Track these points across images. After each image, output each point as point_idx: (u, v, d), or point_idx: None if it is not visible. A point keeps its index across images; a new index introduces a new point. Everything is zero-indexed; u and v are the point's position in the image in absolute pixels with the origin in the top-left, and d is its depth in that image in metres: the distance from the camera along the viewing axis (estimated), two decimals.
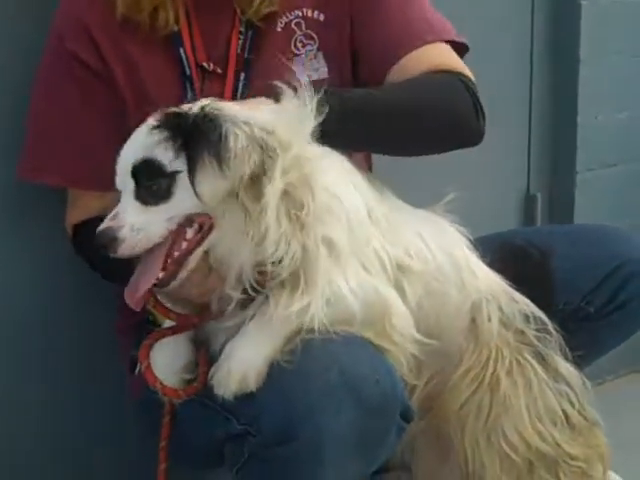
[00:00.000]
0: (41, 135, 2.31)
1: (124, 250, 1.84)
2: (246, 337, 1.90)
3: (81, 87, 2.24)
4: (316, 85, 2.15)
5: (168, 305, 2.01)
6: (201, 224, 1.88)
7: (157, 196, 1.85)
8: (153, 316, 2.14)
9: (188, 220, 1.87)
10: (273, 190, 1.84)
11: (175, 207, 1.85)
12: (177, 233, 1.88)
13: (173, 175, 1.84)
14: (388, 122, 2.12)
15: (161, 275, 1.88)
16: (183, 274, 1.90)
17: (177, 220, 1.86)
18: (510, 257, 2.24)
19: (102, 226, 1.84)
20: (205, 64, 2.25)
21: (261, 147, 1.83)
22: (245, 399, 1.88)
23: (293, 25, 2.31)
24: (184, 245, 1.88)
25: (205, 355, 2.02)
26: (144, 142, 1.86)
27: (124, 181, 1.88)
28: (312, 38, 2.32)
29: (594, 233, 2.57)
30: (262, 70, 2.25)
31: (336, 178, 1.99)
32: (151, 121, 1.88)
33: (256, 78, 2.23)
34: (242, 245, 1.88)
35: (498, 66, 3.41)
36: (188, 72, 2.23)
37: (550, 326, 2.14)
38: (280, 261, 1.87)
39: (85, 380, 2.64)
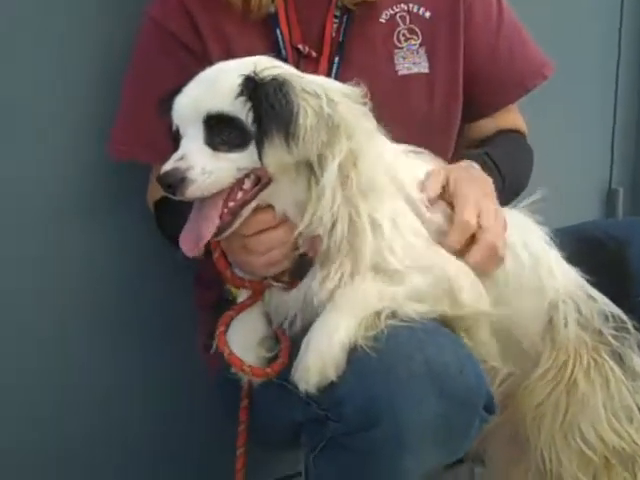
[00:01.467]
0: (134, 113, 2.35)
1: (193, 192, 1.83)
2: (319, 328, 1.90)
3: (178, 67, 2.25)
4: (414, 78, 2.31)
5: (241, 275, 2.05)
6: (259, 177, 1.90)
7: (230, 145, 1.86)
8: (232, 295, 2.17)
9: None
10: (334, 167, 1.88)
11: (246, 160, 1.86)
12: (235, 183, 1.89)
13: (250, 134, 1.86)
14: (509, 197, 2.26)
15: (218, 222, 1.89)
16: (236, 224, 1.91)
17: (245, 171, 1.88)
18: (586, 248, 2.23)
19: (168, 166, 1.83)
20: (300, 46, 2.28)
21: (328, 125, 1.86)
22: (327, 385, 1.89)
23: (397, 18, 2.35)
24: (240, 195, 1.89)
25: (285, 331, 2.04)
26: (223, 95, 1.86)
27: (191, 124, 1.87)
28: (415, 33, 2.36)
29: None
30: (359, 57, 2.28)
31: (394, 158, 2.03)
32: (227, 74, 1.90)
33: (352, 64, 2.27)
34: (299, 200, 1.92)
35: (584, 57, 3.41)
36: (284, 54, 2.26)
37: (629, 324, 2.14)
38: (330, 230, 1.91)
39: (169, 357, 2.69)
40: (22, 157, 2.43)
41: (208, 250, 2.01)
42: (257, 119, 1.83)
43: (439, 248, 2.01)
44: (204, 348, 2.23)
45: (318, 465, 2.04)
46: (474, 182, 2.11)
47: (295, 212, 1.94)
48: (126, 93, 2.38)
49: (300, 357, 1.90)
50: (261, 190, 1.90)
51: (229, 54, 2.20)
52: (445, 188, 2.07)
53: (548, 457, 2.10)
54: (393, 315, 1.91)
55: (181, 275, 2.56)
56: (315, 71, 2.22)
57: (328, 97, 1.87)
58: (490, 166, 2.24)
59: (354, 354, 1.88)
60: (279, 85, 1.84)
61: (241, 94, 1.84)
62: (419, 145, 2.12)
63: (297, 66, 2.16)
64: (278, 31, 2.27)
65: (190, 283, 2.57)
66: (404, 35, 2.35)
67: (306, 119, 1.82)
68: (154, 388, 2.70)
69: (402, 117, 2.04)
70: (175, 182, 1.82)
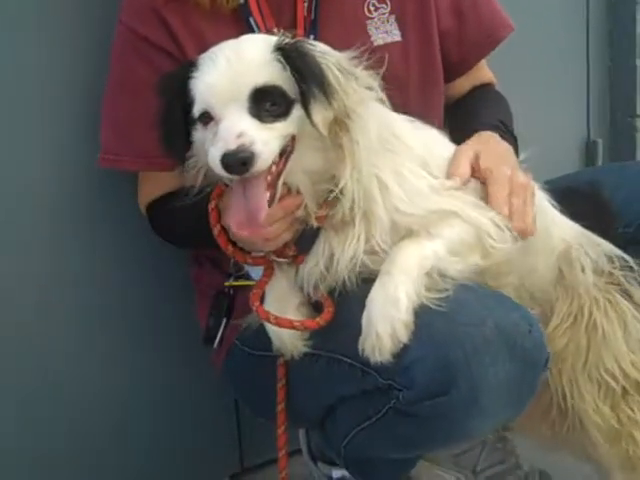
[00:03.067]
0: (117, 122, 2.35)
1: (261, 165, 1.83)
2: (378, 297, 1.91)
3: (154, 69, 2.25)
4: (389, 47, 2.32)
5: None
6: (285, 146, 1.90)
7: (275, 114, 1.87)
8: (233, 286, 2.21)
9: None
10: (358, 124, 1.92)
11: (288, 127, 1.88)
12: None
13: (292, 101, 1.88)
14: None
15: (268, 196, 1.88)
16: (277, 196, 1.91)
17: (288, 139, 1.89)
18: (562, 197, 2.28)
19: (231, 145, 1.81)
20: (275, 30, 2.26)
21: (352, 77, 1.91)
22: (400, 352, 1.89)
23: None
24: (273, 168, 1.89)
25: (330, 298, 2.04)
26: (263, 67, 1.88)
27: (232, 101, 1.86)
28: (384, 2, 2.38)
29: None
30: (333, 32, 2.29)
31: (398, 120, 2.07)
32: (251, 48, 1.92)
33: (328, 40, 2.25)
34: (314, 169, 1.95)
35: (554, 13, 3.44)
36: None
37: (631, 262, 2.22)
38: (342, 192, 1.93)
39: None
40: (17, 162, 2.46)
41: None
42: (300, 83, 1.86)
43: (453, 192, 2.04)
44: (205, 341, 2.25)
45: (358, 440, 2.06)
46: (501, 158, 2.15)
47: (307, 183, 1.96)
48: (107, 102, 2.37)
49: (366, 328, 1.90)
50: (287, 160, 1.91)
51: (205, 49, 2.18)
52: (474, 166, 2.10)
53: (570, 393, 2.19)
54: (440, 273, 1.93)
55: (178, 277, 2.59)
56: None
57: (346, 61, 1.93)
58: (506, 134, 2.28)
59: (419, 317, 1.89)
60: (303, 49, 1.89)
61: (281, 63, 1.87)
62: (402, 113, 2.14)
63: None
64: (252, 20, 2.28)
65: (186, 284, 2.58)
66: (374, 5, 2.37)
67: (334, 74, 1.87)
68: (156, 389, 2.73)
69: (382, 87, 2.05)
70: (247, 159, 1.80)
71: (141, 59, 2.29)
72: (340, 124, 1.92)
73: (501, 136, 2.25)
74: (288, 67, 1.87)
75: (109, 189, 2.54)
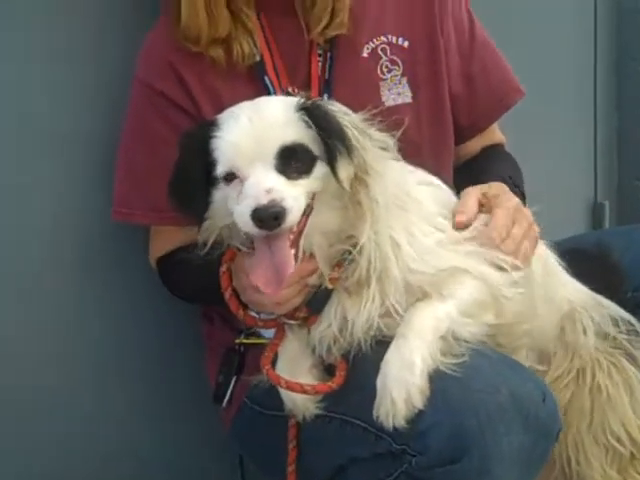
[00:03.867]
0: (130, 176, 2.37)
1: (292, 220, 1.85)
2: (394, 361, 1.91)
3: (169, 124, 2.29)
4: (400, 108, 2.36)
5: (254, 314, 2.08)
6: (307, 206, 1.92)
7: (300, 171, 1.90)
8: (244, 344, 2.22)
9: None
10: (377, 181, 1.95)
11: (312, 184, 1.91)
12: None
13: (315, 158, 1.92)
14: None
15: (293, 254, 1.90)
16: (300, 255, 1.93)
17: (310, 196, 1.91)
18: (570, 259, 2.29)
19: (263, 201, 1.83)
20: (290, 89, 2.32)
21: (370, 136, 1.96)
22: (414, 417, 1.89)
23: (379, 50, 2.40)
24: (295, 227, 1.90)
25: (344, 360, 2.04)
26: (289, 126, 1.91)
27: (259, 159, 1.89)
28: (396, 63, 2.41)
29: None
30: (347, 92, 2.32)
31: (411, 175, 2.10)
32: (275, 108, 1.96)
33: (341, 100, 2.29)
34: (331, 229, 1.97)
35: (562, 75, 3.48)
36: None
37: (637, 326, 2.23)
38: (360, 252, 1.95)
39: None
40: (23, 209, 2.47)
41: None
42: (325, 141, 1.90)
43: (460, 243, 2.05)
44: (215, 398, 2.24)
45: None
46: (509, 194, 2.18)
47: (322, 244, 1.98)
48: (121, 155, 2.40)
49: (381, 393, 1.90)
50: (308, 219, 1.93)
51: (220, 106, 2.20)
52: (483, 202, 2.13)
53: (575, 458, 2.18)
54: (455, 336, 1.94)
55: (190, 333, 2.61)
56: None
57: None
58: (514, 188, 2.29)
59: (434, 383, 1.89)
60: (324, 108, 1.93)
61: (305, 122, 1.91)
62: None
63: None
64: (266, 78, 2.31)
65: (197, 339, 2.58)
66: (387, 67, 2.40)
67: (352, 131, 1.92)
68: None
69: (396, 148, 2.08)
70: (277, 213, 1.82)
71: (157, 114, 2.32)
72: (359, 181, 1.94)
73: (511, 190, 2.26)
74: (313, 126, 1.90)
75: (122, 242, 2.55)
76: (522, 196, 2.34)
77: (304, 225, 1.92)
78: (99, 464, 2.62)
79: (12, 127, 2.44)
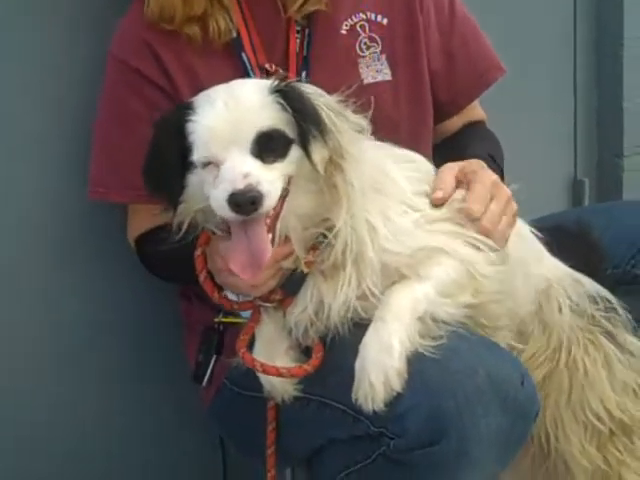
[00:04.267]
0: (106, 155, 2.36)
1: (269, 204, 1.84)
2: (372, 344, 1.91)
3: (146, 103, 2.28)
4: (379, 86, 2.35)
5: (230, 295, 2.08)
6: (283, 189, 1.91)
7: (276, 155, 1.89)
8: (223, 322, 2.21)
9: None
10: (352, 165, 1.94)
11: (287, 167, 1.90)
12: None
13: (290, 141, 1.90)
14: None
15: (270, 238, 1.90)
16: (277, 239, 1.92)
17: (286, 179, 1.90)
18: (550, 236, 2.29)
19: (239, 185, 1.82)
20: (267, 65, 2.31)
21: (343, 117, 1.94)
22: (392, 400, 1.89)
23: (358, 27, 2.39)
24: (271, 211, 1.89)
25: (321, 342, 2.03)
26: (264, 111, 1.89)
27: (234, 144, 1.87)
28: (375, 41, 2.40)
29: (630, 204, 2.76)
30: (325, 69, 2.31)
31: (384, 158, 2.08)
32: (249, 92, 1.93)
33: (319, 77, 2.29)
34: (307, 213, 1.96)
35: (541, 52, 3.45)
36: (251, 75, 2.28)
37: (616, 304, 2.23)
38: (335, 236, 1.94)
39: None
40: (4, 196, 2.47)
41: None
42: (299, 124, 1.88)
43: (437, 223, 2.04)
44: (194, 378, 2.24)
45: None
46: (487, 171, 2.17)
47: (297, 228, 1.96)
48: (97, 134, 2.38)
49: (359, 376, 1.90)
50: (284, 202, 1.92)
51: (196, 84, 2.23)
52: (460, 178, 2.11)
53: (553, 434, 2.19)
54: (433, 318, 1.94)
55: (168, 312, 2.60)
56: None
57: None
58: (493, 166, 2.29)
59: (412, 365, 1.89)
60: (298, 91, 1.91)
61: (280, 105, 1.89)
62: None
63: None
64: (244, 55, 2.30)
65: (176, 319, 2.57)
66: (365, 44, 2.39)
67: (327, 114, 1.90)
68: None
69: (371, 124, 2.05)
70: (254, 198, 1.81)
71: (132, 91, 2.30)
72: (334, 164, 1.93)
73: (490, 168, 2.25)
74: (289, 109, 1.88)
75: (99, 223, 2.55)
76: (501, 173, 2.34)
77: (280, 209, 1.91)
78: (76, 444, 2.62)
79: None
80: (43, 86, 2.49)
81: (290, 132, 1.90)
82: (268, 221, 1.89)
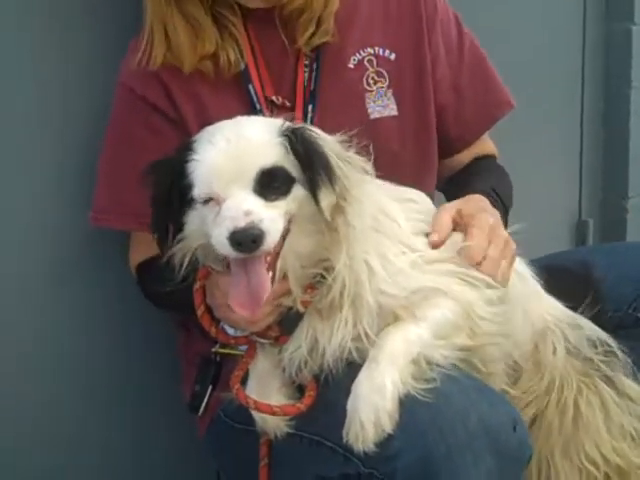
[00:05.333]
0: (110, 181, 2.36)
1: (270, 242, 1.83)
2: (364, 385, 1.90)
3: (152, 130, 2.29)
4: (385, 121, 2.36)
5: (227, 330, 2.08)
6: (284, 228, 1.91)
7: (278, 193, 1.88)
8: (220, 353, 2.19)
9: None
10: (354, 207, 1.94)
11: (289, 205, 1.89)
12: None
13: (293, 180, 1.90)
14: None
15: (270, 276, 1.89)
16: (277, 277, 1.92)
17: (288, 217, 1.89)
18: (555, 275, 2.29)
19: (241, 223, 1.81)
20: (274, 98, 2.31)
21: (349, 162, 1.94)
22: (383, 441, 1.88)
23: (365, 62, 2.39)
24: (272, 250, 1.88)
25: (314, 381, 2.03)
26: (268, 149, 1.89)
27: (236, 182, 1.86)
28: (383, 76, 2.40)
29: (633, 246, 2.74)
30: (332, 103, 2.32)
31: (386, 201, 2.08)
32: (255, 130, 1.93)
33: (326, 111, 2.30)
34: (305, 252, 1.95)
35: (549, 91, 3.46)
36: (258, 107, 2.28)
37: (615, 348, 2.22)
38: (334, 278, 1.93)
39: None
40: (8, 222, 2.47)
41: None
42: (307, 168, 1.88)
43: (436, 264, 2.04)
44: (191, 408, 2.22)
45: None
46: (486, 212, 2.16)
47: (296, 266, 1.96)
48: (103, 160, 2.39)
49: (351, 415, 1.90)
50: (284, 241, 1.91)
51: (203, 114, 2.25)
52: (458, 221, 2.11)
53: (545, 474, 2.17)
54: (427, 360, 1.93)
55: (166, 342, 2.60)
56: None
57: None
58: (496, 200, 2.29)
59: (404, 408, 1.88)
60: (307, 134, 1.91)
61: (286, 146, 1.89)
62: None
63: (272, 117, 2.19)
64: (250, 86, 2.30)
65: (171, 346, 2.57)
66: (373, 78, 2.39)
67: (335, 160, 1.90)
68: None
69: (375, 160, 2.05)
70: (256, 237, 1.81)
71: (138, 119, 2.31)
72: (337, 207, 1.93)
73: (492, 204, 2.25)
74: (295, 153, 1.88)
75: (99, 251, 2.55)
76: (504, 208, 2.33)
77: (281, 247, 1.91)
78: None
79: None
80: (51, 106, 2.50)
81: (293, 170, 1.90)
82: (269, 259, 1.88)
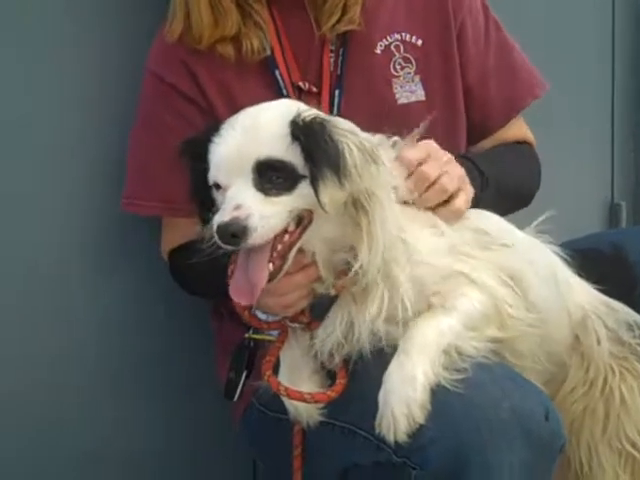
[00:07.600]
0: (140, 168, 2.37)
1: (255, 240, 1.82)
2: (395, 375, 1.90)
3: (180, 117, 2.29)
4: (413, 106, 2.33)
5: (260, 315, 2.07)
6: (301, 217, 1.90)
7: (280, 188, 1.87)
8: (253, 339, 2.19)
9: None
10: (378, 205, 1.91)
11: (295, 201, 1.88)
12: None
13: (299, 176, 1.88)
14: (505, 201, 2.31)
15: (271, 268, 1.90)
16: (286, 267, 1.91)
17: (296, 212, 1.88)
18: (586, 258, 2.26)
19: (225, 217, 1.82)
20: (301, 84, 2.30)
21: (373, 160, 1.89)
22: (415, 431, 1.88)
23: (392, 47, 2.37)
24: (286, 238, 1.89)
25: (344, 368, 2.03)
26: (271, 140, 1.88)
27: (238, 173, 1.87)
28: (410, 61, 2.38)
29: None
30: (359, 89, 2.30)
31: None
32: (267, 119, 1.92)
33: (353, 96, 2.29)
34: (332, 237, 1.94)
35: (580, 75, 3.44)
36: (285, 93, 2.28)
37: None
38: (361, 267, 1.91)
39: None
40: (26, 212, 2.46)
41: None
42: (309, 160, 1.85)
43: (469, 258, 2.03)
44: (226, 395, 2.22)
45: None
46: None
47: (324, 251, 1.95)
48: (133, 148, 2.40)
49: (382, 407, 1.89)
50: (304, 231, 1.91)
51: (231, 101, 2.25)
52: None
53: (588, 464, 2.17)
54: (458, 351, 1.93)
55: (199, 330, 2.59)
56: (317, 106, 2.21)
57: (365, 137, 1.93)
58: (468, 165, 2.23)
59: (436, 397, 1.88)
60: (322, 126, 1.87)
61: (291, 138, 1.87)
62: None
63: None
64: (277, 72, 2.29)
65: (206, 334, 2.57)
66: (400, 64, 2.37)
67: (352, 155, 1.86)
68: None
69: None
70: (238, 232, 1.81)
71: (167, 107, 2.31)
72: (358, 205, 1.90)
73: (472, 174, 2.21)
74: (301, 144, 1.86)
75: (130, 238, 2.54)
76: (479, 173, 2.26)
77: (298, 237, 1.90)
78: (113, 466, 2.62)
79: (14, 127, 2.41)
80: (84, 93, 2.50)
81: (301, 165, 1.87)
82: (280, 247, 1.88)
